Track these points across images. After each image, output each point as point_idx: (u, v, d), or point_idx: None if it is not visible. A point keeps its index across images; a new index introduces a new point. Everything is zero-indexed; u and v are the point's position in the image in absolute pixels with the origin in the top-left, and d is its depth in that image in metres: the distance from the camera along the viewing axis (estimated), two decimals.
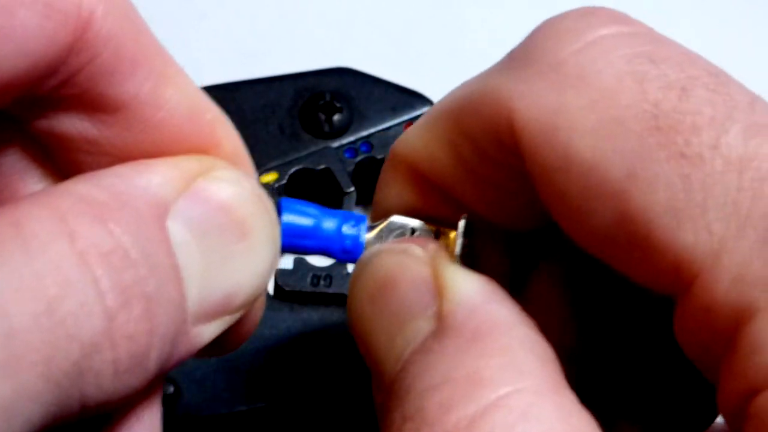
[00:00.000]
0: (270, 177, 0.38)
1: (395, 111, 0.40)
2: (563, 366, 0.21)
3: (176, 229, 0.20)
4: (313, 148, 0.39)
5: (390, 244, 0.25)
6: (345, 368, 0.35)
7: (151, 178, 0.20)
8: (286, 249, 0.26)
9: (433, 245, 0.24)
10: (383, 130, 0.39)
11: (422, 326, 0.22)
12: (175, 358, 0.21)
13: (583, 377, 0.25)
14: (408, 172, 0.25)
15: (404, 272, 0.23)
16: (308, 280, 0.36)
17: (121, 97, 0.21)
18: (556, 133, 0.21)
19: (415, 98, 0.40)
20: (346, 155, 0.39)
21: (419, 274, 0.23)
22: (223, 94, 0.39)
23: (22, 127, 0.21)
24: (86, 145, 0.21)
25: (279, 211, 0.26)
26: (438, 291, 0.22)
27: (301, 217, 0.26)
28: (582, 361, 0.26)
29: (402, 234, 0.25)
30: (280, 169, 0.38)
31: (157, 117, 0.21)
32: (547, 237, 0.25)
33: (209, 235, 0.21)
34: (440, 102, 0.25)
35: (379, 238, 0.26)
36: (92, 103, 0.21)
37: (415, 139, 0.25)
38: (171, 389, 0.34)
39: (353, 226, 0.26)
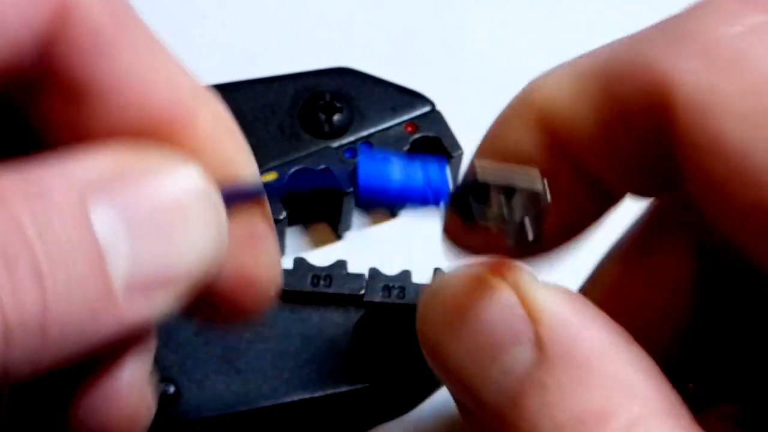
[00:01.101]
0: (270, 177, 0.38)
1: (395, 111, 0.40)
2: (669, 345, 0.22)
3: (100, 214, 0.21)
4: (313, 148, 0.39)
5: (464, 266, 0.24)
6: (345, 368, 0.35)
7: (77, 165, 0.21)
8: (373, 204, 0.24)
9: (509, 263, 0.23)
10: (383, 130, 0.39)
11: (521, 355, 0.22)
12: (102, 330, 0.21)
13: (688, 358, 0.25)
14: (539, 120, 0.25)
15: (488, 298, 0.23)
16: (308, 280, 0.36)
17: (102, 81, 0.21)
18: (710, 114, 0.21)
19: (415, 98, 0.40)
20: (346, 155, 0.39)
21: (505, 299, 0.23)
22: (223, 94, 0.39)
23: (8, 111, 0.22)
24: (69, 127, 0.22)
25: (357, 170, 0.24)
26: (530, 315, 0.22)
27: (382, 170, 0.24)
28: (690, 343, 0.25)
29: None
30: (280, 169, 0.38)
31: (137, 100, 0.22)
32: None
33: (138, 221, 0.21)
34: (586, 58, 0.25)
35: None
36: (73, 86, 0.21)
37: (557, 89, 0.25)
38: (171, 389, 0.34)
39: (437, 170, 0.24)
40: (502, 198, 0.23)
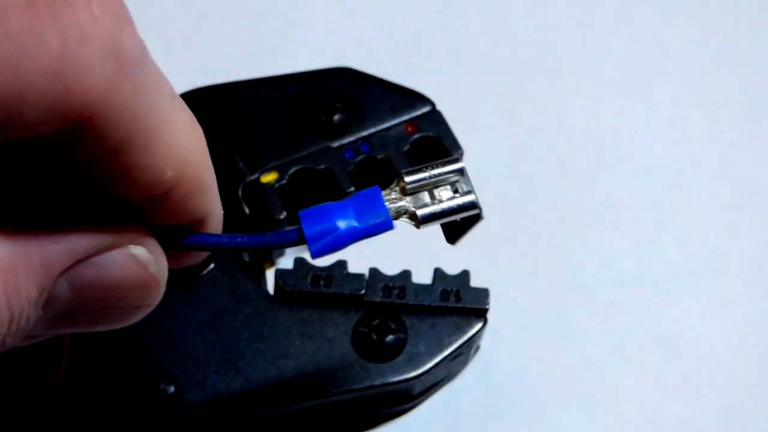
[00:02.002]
0: (270, 177, 0.38)
1: (395, 111, 0.40)
2: None
3: (60, 286, 0.24)
4: (313, 148, 0.39)
5: None
6: (345, 368, 0.35)
7: (50, 243, 0.24)
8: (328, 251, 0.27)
9: None
10: (383, 130, 0.39)
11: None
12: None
13: None
14: None
15: None
16: (308, 280, 0.36)
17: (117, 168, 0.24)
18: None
19: (415, 98, 0.40)
20: (346, 155, 0.39)
21: None
22: (223, 94, 0.39)
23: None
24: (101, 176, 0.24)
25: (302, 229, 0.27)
26: None
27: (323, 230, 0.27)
28: None
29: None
30: (280, 169, 0.38)
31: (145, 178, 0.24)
32: None
33: (86, 298, 0.25)
34: None
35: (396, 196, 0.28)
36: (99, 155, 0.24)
37: None
38: (171, 389, 0.34)
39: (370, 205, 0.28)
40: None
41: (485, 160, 0.42)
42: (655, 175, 0.43)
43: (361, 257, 0.38)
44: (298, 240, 0.27)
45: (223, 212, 0.28)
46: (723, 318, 0.40)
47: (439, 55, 0.45)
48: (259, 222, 0.38)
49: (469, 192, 0.28)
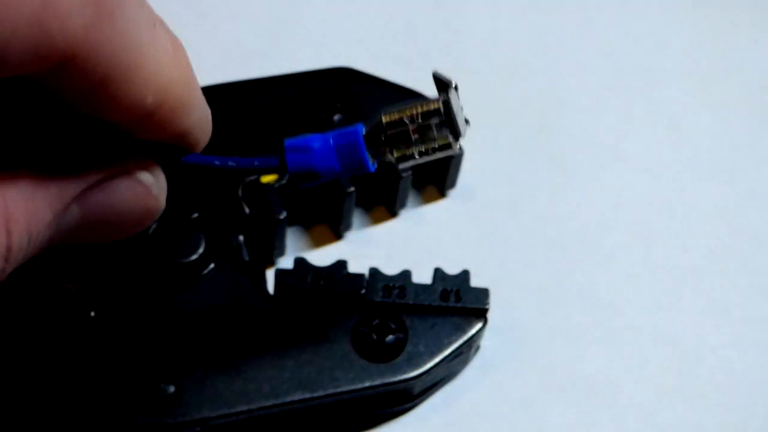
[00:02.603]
0: (270, 177, 0.38)
1: None
2: None
3: (72, 209, 0.28)
4: None
5: None
6: (345, 368, 0.35)
7: (63, 175, 0.27)
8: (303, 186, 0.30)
9: None
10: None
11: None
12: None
13: None
14: None
15: None
16: (308, 280, 0.36)
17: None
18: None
19: (415, 98, 0.40)
20: None
21: None
22: (223, 94, 0.39)
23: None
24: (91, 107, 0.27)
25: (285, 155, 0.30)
26: None
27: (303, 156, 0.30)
28: None
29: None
30: None
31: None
32: None
33: (94, 218, 0.29)
34: None
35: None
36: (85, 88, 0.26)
37: None
38: (171, 389, 0.34)
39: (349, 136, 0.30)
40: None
41: (485, 160, 0.42)
42: (655, 175, 0.43)
43: (361, 257, 0.38)
44: (280, 168, 0.30)
45: (210, 125, 0.30)
46: (723, 318, 0.40)
47: (439, 55, 0.45)
48: (259, 222, 0.38)
49: (446, 136, 0.29)
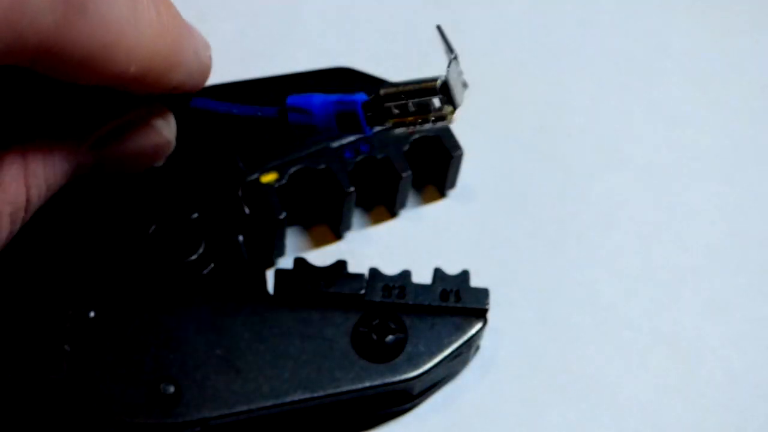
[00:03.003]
0: (270, 177, 0.38)
1: None
2: None
3: (86, 155, 0.30)
4: (313, 148, 0.39)
5: None
6: (345, 368, 0.35)
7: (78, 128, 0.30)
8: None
9: None
10: (383, 130, 0.39)
11: None
12: None
13: None
14: None
15: None
16: (308, 280, 0.36)
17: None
18: None
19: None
20: (346, 155, 0.39)
21: None
22: (223, 94, 0.39)
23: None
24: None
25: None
26: None
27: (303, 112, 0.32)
28: None
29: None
30: (280, 169, 0.38)
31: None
32: None
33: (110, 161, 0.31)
34: None
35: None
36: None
37: None
38: (171, 389, 0.34)
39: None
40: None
41: (485, 160, 0.42)
42: (655, 175, 0.43)
43: (361, 257, 0.38)
44: (279, 120, 0.32)
45: (207, 67, 0.32)
46: (723, 318, 0.40)
47: (439, 55, 0.45)
48: (259, 222, 0.38)
49: (442, 109, 0.30)
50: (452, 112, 0.30)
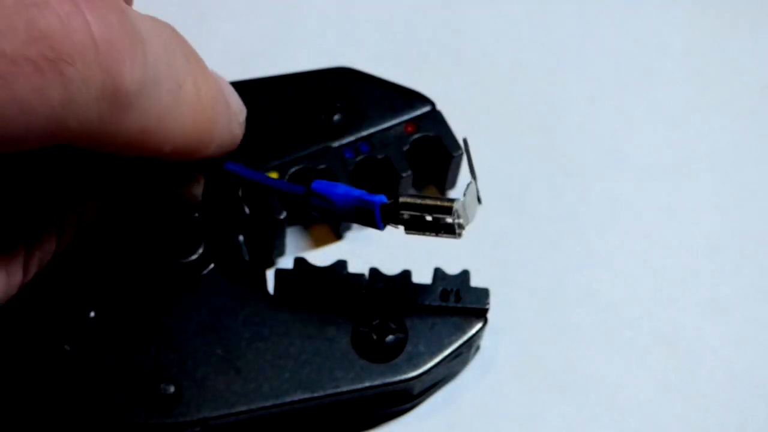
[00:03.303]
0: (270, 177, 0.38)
1: (395, 111, 0.40)
2: None
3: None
4: (313, 148, 0.39)
5: None
6: (345, 368, 0.35)
7: None
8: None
9: None
10: (383, 130, 0.39)
11: None
12: None
13: None
14: None
15: None
16: (308, 280, 0.36)
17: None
18: None
19: (415, 98, 0.40)
20: (346, 155, 0.39)
21: None
22: None
23: None
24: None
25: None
26: None
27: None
28: None
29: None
30: (280, 169, 0.38)
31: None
32: None
33: None
34: None
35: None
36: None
37: None
38: (171, 389, 0.34)
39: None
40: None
41: (485, 160, 0.42)
42: (655, 175, 0.43)
43: (361, 257, 0.38)
44: (302, 201, 0.33)
45: (239, 132, 0.33)
46: (723, 318, 0.40)
47: (439, 55, 0.45)
48: (259, 222, 0.38)
49: (452, 232, 0.32)
50: (462, 228, 0.32)
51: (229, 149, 0.32)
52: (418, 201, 0.32)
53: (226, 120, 0.31)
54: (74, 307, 0.35)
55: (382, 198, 0.32)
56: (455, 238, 0.32)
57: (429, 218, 0.32)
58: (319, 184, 0.33)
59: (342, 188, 0.33)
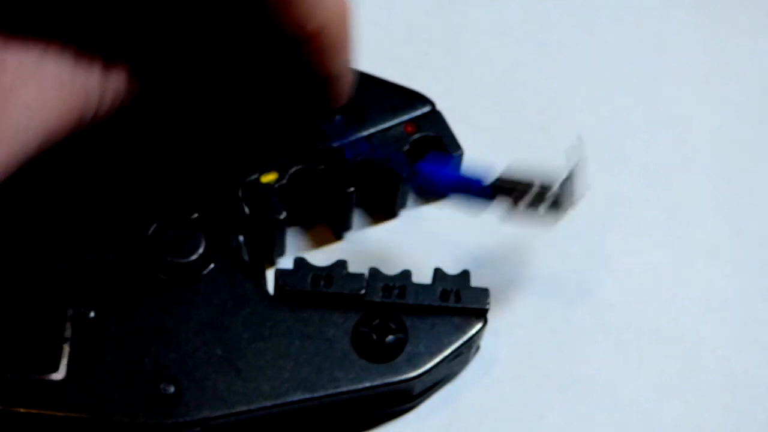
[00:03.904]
0: (270, 177, 0.38)
1: (395, 111, 0.40)
2: None
3: None
4: (313, 148, 0.39)
5: None
6: (345, 368, 0.35)
7: None
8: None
9: None
10: (383, 130, 0.39)
11: None
12: None
13: None
14: None
15: None
16: (308, 280, 0.36)
17: None
18: None
19: (415, 98, 0.40)
20: (347, 155, 0.39)
21: None
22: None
23: None
24: None
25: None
26: None
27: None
28: None
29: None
30: (280, 169, 0.38)
31: None
32: None
33: None
34: None
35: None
36: None
37: None
38: (171, 389, 0.34)
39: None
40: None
41: (485, 160, 0.42)
42: (655, 175, 0.43)
43: (361, 257, 0.38)
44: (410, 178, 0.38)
45: (350, 87, 0.35)
46: (723, 318, 0.40)
47: (439, 55, 0.45)
48: (259, 222, 0.38)
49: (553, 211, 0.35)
50: (559, 212, 0.35)
51: (343, 94, 0.35)
52: (515, 182, 0.35)
53: (351, 50, 0.34)
54: (74, 307, 0.35)
55: (480, 181, 0.35)
56: (551, 223, 0.35)
57: (525, 201, 0.34)
58: (425, 167, 0.36)
59: (445, 171, 0.36)
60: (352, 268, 0.37)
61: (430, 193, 0.36)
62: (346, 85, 0.35)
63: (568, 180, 0.34)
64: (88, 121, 0.31)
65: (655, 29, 0.47)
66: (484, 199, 0.35)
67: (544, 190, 0.34)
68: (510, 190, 0.35)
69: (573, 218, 0.41)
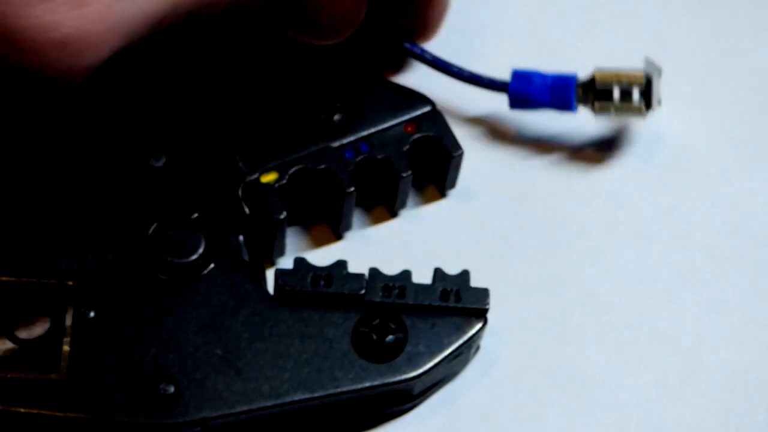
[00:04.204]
0: (270, 177, 0.38)
1: (395, 111, 0.40)
2: None
3: None
4: (313, 148, 0.39)
5: None
6: (345, 368, 0.35)
7: None
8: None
9: None
10: (383, 130, 0.39)
11: None
12: None
13: None
14: None
15: None
16: (308, 280, 0.36)
17: None
18: None
19: (415, 98, 0.40)
20: (346, 155, 0.39)
21: None
22: (224, 94, 0.39)
23: None
24: None
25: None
26: None
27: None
28: None
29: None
30: (280, 169, 0.38)
31: None
32: None
33: None
34: None
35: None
36: None
37: None
38: (171, 389, 0.34)
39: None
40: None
41: (485, 160, 0.42)
42: (655, 175, 0.43)
43: (361, 257, 0.38)
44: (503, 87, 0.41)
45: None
46: (723, 318, 0.40)
47: (438, 55, 0.45)
48: (259, 222, 0.38)
49: (640, 104, 0.39)
50: (647, 109, 0.39)
51: (435, 23, 0.39)
52: (612, 72, 0.39)
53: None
54: (74, 306, 0.35)
55: (575, 76, 0.39)
56: (642, 116, 0.39)
57: (618, 93, 0.38)
58: (519, 72, 0.40)
59: (539, 75, 0.40)
60: (352, 268, 0.37)
61: (524, 101, 0.40)
62: (443, 5, 0.37)
63: (651, 80, 0.38)
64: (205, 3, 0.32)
65: (655, 29, 0.47)
66: (573, 99, 0.39)
67: (632, 85, 0.39)
68: (602, 89, 0.39)
69: (573, 218, 0.41)
